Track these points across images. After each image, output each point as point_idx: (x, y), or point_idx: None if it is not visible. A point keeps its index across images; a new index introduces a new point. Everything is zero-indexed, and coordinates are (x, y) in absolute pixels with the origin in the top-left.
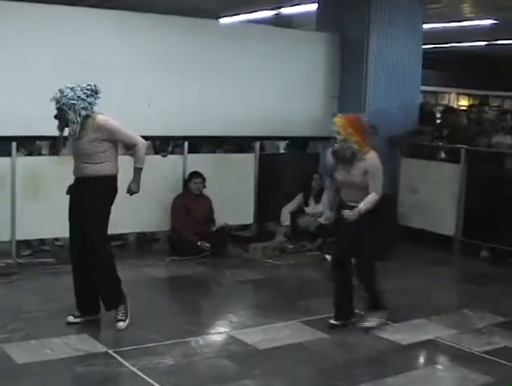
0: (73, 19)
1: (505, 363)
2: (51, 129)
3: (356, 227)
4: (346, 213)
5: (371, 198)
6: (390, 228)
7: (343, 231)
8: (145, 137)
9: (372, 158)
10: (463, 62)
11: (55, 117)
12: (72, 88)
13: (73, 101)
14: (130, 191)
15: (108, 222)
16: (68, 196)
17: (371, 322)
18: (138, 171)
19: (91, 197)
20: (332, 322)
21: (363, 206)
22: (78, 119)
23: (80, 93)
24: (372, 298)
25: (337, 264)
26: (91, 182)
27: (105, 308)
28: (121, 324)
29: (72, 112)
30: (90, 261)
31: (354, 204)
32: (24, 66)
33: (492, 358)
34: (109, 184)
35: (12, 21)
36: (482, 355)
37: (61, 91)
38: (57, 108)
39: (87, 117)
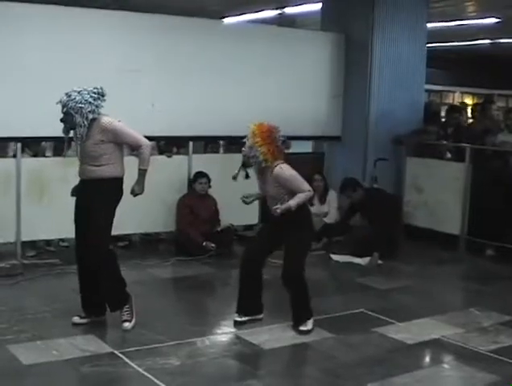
0: (76, 20)
1: (511, 361)
2: (55, 130)
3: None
4: (275, 207)
5: (301, 196)
6: (396, 227)
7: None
8: (148, 138)
9: (277, 171)
10: (467, 61)
11: (62, 120)
12: (79, 92)
13: (81, 105)
14: (134, 193)
15: (112, 223)
16: (73, 197)
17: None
18: (142, 173)
19: (96, 199)
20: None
21: (293, 202)
22: (85, 122)
23: (87, 97)
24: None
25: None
26: (96, 183)
27: (109, 309)
28: (126, 324)
29: (79, 115)
30: (94, 262)
31: (274, 213)
32: (28, 67)
33: (498, 357)
34: (114, 186)
35: (15, 22)
36: (489, 353)
37: (68, 94)
38: (64, 112)
39: (93, 119)
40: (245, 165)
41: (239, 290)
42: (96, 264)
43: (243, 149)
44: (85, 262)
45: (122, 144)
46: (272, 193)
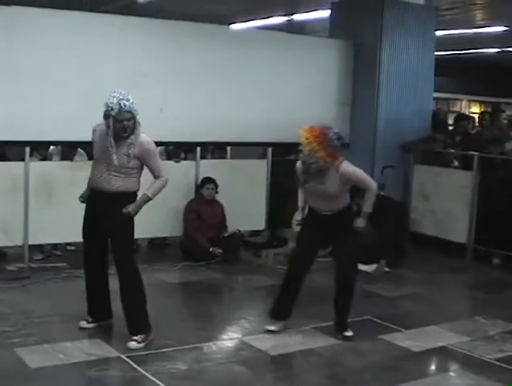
0: (87, 25)
1: None
2: (64, 134)
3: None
4: (360, 222)
5: (372, 195)
6: (403, 235)
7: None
8: (157, 143)
9: (343, 169)
10: (475, 69)
11: (125, 127)
12: (127, 97)
13: (136, 112)
14: (127, 210)
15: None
16: (80, 202)
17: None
18: (145, 198)
19: (120, 213)
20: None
21: (368, 208)
22: (139, 130)
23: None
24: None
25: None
26: (121, 196)
27: (129, 332)
28: (133, 344)
29: (138, 123)
30: (122, 280)
31: (329, 213)
32: (38, 72)
33: (504, 365)
34: (134, 200)
35: (27, 27)
36: (495, 362)
37: (127, 99)
38: (128, 119)
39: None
40: (307, 172)
41: (280, 297)
42: (125, 279)
43: (300, 156)
44: (97, 269)
45: (144, 165)
46: (332, 191)
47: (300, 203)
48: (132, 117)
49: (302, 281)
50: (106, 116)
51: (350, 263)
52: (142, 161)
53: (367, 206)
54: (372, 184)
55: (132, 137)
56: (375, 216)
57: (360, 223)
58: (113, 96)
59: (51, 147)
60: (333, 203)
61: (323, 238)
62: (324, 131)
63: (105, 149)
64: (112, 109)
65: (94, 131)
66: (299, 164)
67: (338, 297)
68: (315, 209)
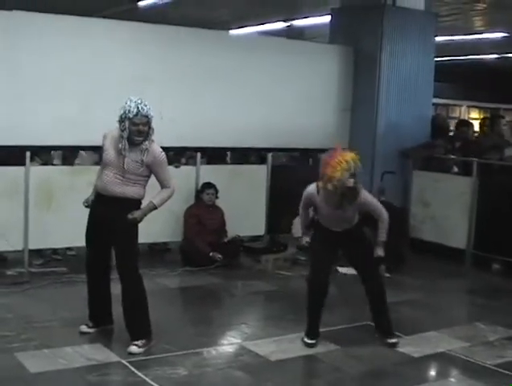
0: (86, 30)
1: None
2: (65, 139)
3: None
4: (379, 251)
5: (386, 224)
6: (402, 241)
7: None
8: None
9: (365, 197)
10: (474, 75)
11: (141, 132)
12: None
13: (152, 118)
14: (132, 217)
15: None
16: (83, 207)
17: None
18: (151, 206)
19: (125, 219)
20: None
21: (382, 237)
22: (152, 136)
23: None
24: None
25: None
26: (127, 203)
27: (130, 337)
28: (133, 348)
29: (152, 129)
30: (125, 286)
31: (340, 230)
32: (38, 76)
33: (504, 371)
34: (139, 207)
35: (26, 31)
36: (494, 368)
37: (145, 104)
38: (146, 122)
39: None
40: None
41: (311, 313)
42: (128, 286)
43: (352, 181)
44: (98, 275)
45: (152, 174)
46: (348, 216)
47: (304, 227)
48: (148, 123)
49: (325, 295)
50: (122, 118)
51: (377, 273)
52: (152, 169)
53: (382, 235)
54: (385, 214)
55: (146, 143)
56: (375, 222)
57: (380, 252)
58: (131, 100)
59: (52, 151)
60: (347, 224)
61: (335, 250)
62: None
63: (117, 153)
64: (129, 112)
65: (105, 136)
66: (313, 190)
67: (376, 308)
68: (327, 226)
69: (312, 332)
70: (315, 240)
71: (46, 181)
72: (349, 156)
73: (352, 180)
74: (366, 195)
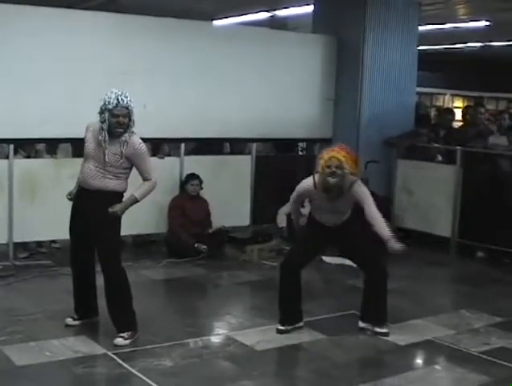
0: (68, 23)
1: (502, 363)
2: (48, 132)
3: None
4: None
5: (382, 222)
6: None
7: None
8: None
9: (360, 189)
10: (458, 63)
11: (121, 123)
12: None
13: (133, 110)
14: (113, 210)
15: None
16: (67, 200)
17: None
18: (132, 199)
19: (107, 212)
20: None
21: (385, 232)
22: (133, 129)
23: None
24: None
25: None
26: (108, 195)
27: (116, 329)
28: (119, 340)
29: (132, 121)
30: (108, 279)
31: (332, 225)
32: (20, 69)
33: (489, 358)
34: (120, 200)
35: (6, 24)
36: (480, 355)
37: (126, 96)
38: (126, 114)
39: None
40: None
41: (281, 299)
42: (110, 280)
43: (333, 180)
44: (83, 267)
45: (133, 166)
46: (343, 209)
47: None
48: (128, 114)
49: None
50: (102, 110)
51: (378, 265)
52: (133, 161)
53: (383, 233)
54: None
55: (126, 135)
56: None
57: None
58: (112, 92)
59: (39, 145)
60: (340, 217)
61: (320, 244)
62: (349, 148)
63: (98, 145)
64: (109, 103)
65: (87, 128)
66: (309, 185)
67: (375, 296)
68: (320, 220)
69: (283, 318)
70: (305, 230)
71: (29, 174)
72: (332, 154)
73: (331, 178)
74: (361, 192)
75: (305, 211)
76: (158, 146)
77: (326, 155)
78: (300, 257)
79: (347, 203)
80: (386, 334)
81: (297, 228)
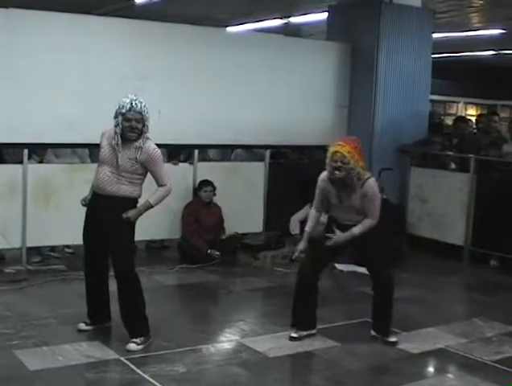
0: (84, 28)
1: None
2: (62, 137)
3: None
4: (337, 237)
5: (367, 223)
6: (399, 238)
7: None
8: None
9: (372, 185)
10: (471, 71)
11: (133, 127)
12: (140, 100)
13: (147, 116)
14: (126, 216)
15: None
16: (80, 205)
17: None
18: (147, 205)
19: (121, 219)
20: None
21: (357, 229)
22: (147, 134)
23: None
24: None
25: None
26: (121, 202)
27: (129, 335)
28: (132, 345)
29: (146, 127)
30: (121, 284)
31: (351, 223)
32: (36, 74)
33: (502, 367)
34: (134, 206)
35: (25, 29)
36: (492, 364)
37: (140, 101)
38: (139, 119)
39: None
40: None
41: (294, 305)
42: (124, 284)
43: (338, 173)
44: (97, 272)
45: (148, 172)
46: (355, 205)
47: (308, 229)
48: (142, 120)
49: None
50: (116, 114)
51: (385, 272)
52: (147, 167)
53: (356, 229)
54: (375, 219)
55: (140, 140)
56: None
57: (335, 238)
58: (127, 97)
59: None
60: (354, 214)
61: (337, 248)
62: (357, 141)
63: (112, 150)
64: (123, 107)
65: (103, 134)
66: (323, 180)
67: (380, 307)
68: (336, 217)
69: (296, 324)
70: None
71: (44, 179)
72: (337, 148)
73: (337, 172)
74: (372, 190)
75: (323, 219)
76: (174, 152)
77: (331, 149)
78: (317, 264)
79: (360, 199)
80: (394, 344)
81: (309, 233)
